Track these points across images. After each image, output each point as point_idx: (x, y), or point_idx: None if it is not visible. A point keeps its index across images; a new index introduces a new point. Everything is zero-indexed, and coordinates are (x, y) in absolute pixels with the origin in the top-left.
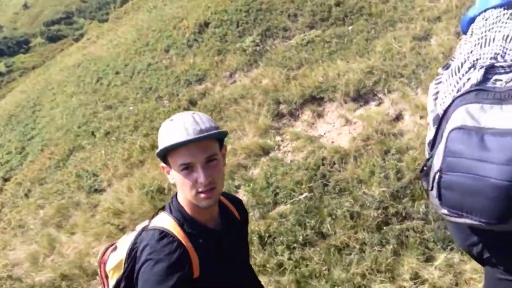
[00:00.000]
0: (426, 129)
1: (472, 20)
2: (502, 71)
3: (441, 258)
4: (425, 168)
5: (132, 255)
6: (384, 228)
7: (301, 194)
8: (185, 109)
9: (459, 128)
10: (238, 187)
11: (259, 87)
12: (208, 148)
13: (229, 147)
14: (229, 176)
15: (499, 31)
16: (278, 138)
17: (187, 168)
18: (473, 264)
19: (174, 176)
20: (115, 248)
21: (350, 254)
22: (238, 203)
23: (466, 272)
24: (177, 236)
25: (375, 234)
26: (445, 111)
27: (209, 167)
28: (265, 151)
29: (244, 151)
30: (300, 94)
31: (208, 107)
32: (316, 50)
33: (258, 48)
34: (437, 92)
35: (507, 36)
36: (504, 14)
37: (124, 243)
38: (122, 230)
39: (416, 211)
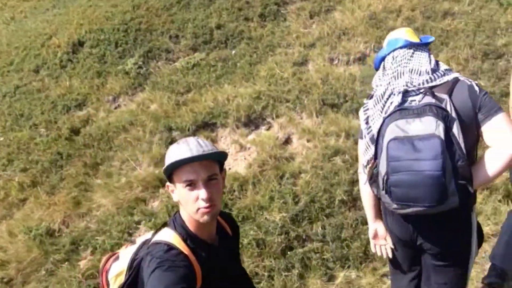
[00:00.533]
0: (314, 152)
1: (383, 59)
2: (414, 94)
3: (341, 276)
4: (371, 177)
5: (134, 266)
6: (289, 252)
7: None
8: (66, 139)
9: (394, 139)
10: (138, 223)
11: (147, 112)
12: (209, 167)
13: (123, 180)
14: (127, 212)
15: (406, 66)
16: None
17: (190, 185)
18: (368, 279)
19: (178, 193)
20: (117, 258)
21: (260, 282)
22: (230, 219)
23: (363, 286)
24: (182, 250)
25: (281, 259)
26: (379, 130)
27: (210, 185)
28: (163, 181)
29: (140, 184)
30: (193, 120)
31: (94, 136)
32: (202, 74)
33: (141, 70)
34: (367, 117)
35: (412, 69)
36: (408, 53)
37: (126, 254)
38: (9, 283)
39: (314, 234)
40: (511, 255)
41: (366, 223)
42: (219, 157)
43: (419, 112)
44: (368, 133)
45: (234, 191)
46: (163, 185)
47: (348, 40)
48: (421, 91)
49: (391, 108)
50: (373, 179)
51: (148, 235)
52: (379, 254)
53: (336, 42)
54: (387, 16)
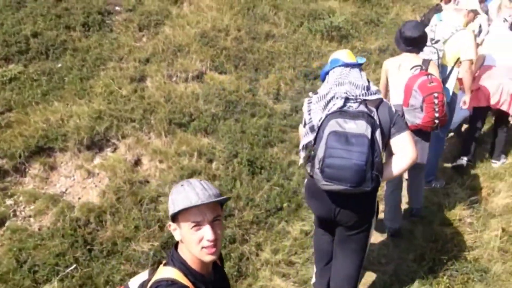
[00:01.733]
0: (169, 174)
1: (327, 73)
2: (352, 101)
3: None
4: (308, 158)
5: None
6: None
7: (67, 266)
8: None
9: (334, 131)
10: None
11: None
12: (214, 209)
13: None
14: None
15: (346, 78)
16: (9, 201)
17: (196, 226)
18: None
19: (183, 233)
20: None
21: None
22: None
23: None
24: (185, 284)
25: None
26: (322, 123)
27: (214, 225)
28: None
29: None
30: (24, 145)
31: None
32: (24, 90)
33: None
34: (310, 110)
35: (351, 82)
36: (346, 70)
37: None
38: None
39: None
40: (396, 217)
41: (235, 242)
42: (224, 201)
43: (354, 116)
44: (308, 123)
45: (91, 223)
46: (1, 224)
47: (184, 57)
48: (358, 100)
49: (334, 108)
50: (309, 160)
51: (142, 275)
52: None
53: (173, 59)
54: (217, 35)
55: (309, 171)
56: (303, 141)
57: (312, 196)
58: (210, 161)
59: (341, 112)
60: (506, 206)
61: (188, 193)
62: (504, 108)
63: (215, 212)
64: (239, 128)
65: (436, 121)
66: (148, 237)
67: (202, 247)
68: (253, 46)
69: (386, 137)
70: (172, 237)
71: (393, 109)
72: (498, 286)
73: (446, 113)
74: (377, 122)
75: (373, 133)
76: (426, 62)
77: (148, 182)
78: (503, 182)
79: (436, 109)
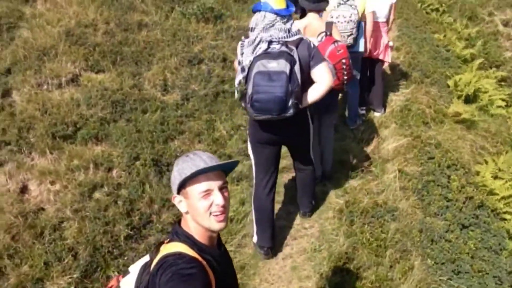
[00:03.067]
0: (66, 194)
1: (257, 11)
2: (275, 43)
3: None
4: (242, 94)
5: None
6: None
7: None
8: None
9: (258, 72)
10: None
11: None
12: (222, 177)
13: None
14: None
15: (272, 24)
16: None
17: (205, 192)
18: None
19: (190, 203)
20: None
21: None
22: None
23: None
24: (193, 255)
25: None
26: (251, 64)
27: (223, 193)
28: None
29: None
30: None
31: None
32: None
33: None
34: (242, 52)
35: (275, 27)
36: (273, 16)
37: (125, 285)
38: None
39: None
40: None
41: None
42: (233, 166)
43: (276, 56)
44: (240, 64)
45: None
46: None
47: (52, 61)
48: (280, 42)
49: (259, 52)
50: (243, 96)
51: (144, 259)
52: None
53: (39, 65)
54: (85, 31)
55: (243, 105)
56: (237, 79)
57: (253, 125)
58: (109, 170)
59: (266, 54)
60: (395, 149)
61: (195, 161)
62: (381, 57)
63: (223, 179)
64: (133, 128)
65: (345, 82)
66: (63, 271)
67: (211, 214)
68: (127, 38)
69: (306, 70)
70: (90, 262)
71: (312, 45)
72: (408, 220)
73: (352, 70)
74: (296, 59)
75: (292, 68)
76: (329, 27)
77: (43, 209)
78: (388, 129)
79: (345, 73)
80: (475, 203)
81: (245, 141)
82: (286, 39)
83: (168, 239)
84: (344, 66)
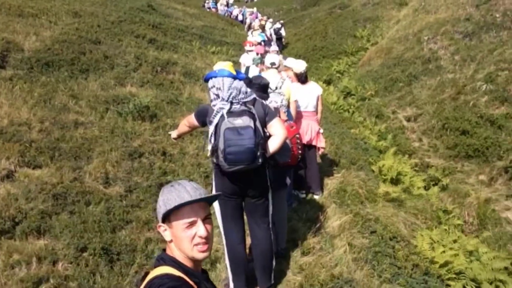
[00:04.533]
0: None
1: (211, 77)
2: (236, 103)
3: None
4: (213, 151)
5: None
6: None
7: None
8: None
9: (227, 128)
10: None
11: None
12: (205, 208)
13: None
14: None
15: (232, 88)
16: None
17: (189, 224)
18: None
19: (174, 233)
20: None
21: None
22: None
23: None
24: (180, 275)
25: None
26: (217, 123)
27: (206, 224)
28: None
29: None
30: None
31: None
32: None
33: None
34: (213, 111)
35: (236, 88)
36: (230, 80)
37: None
38: None
39: None
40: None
41: None
42: (216, 198)
43: (240, 114)
44: (210, 122)
45: None
46: None
47: None
48: (240, 103)
49: (225, 110)
50: (213, 152)
51: None
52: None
53: None
54: (18, 129)
55: (215, 161)
56: (209, 143)
57: (221, 179)
58: (54, 263)
59: (230, 113)
60: (340, 226)
61: (180, 192)
62: (314, 143)
63: (207, 210)
64: (77, 219)
65: (299, 156)
66: None
67: (194, 245)
68: (64, 136)
69: (263, 125)
70: None
71: (265, 103)
72: None
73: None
74: (255, 116)
75: (254, 123)
76: (277, 110)
77: None
78: (329, 208)
79: (299, 147)
80: (422, 270)
81: None
82: (244, 100)
83: (154, 266)
84: (298, 141)
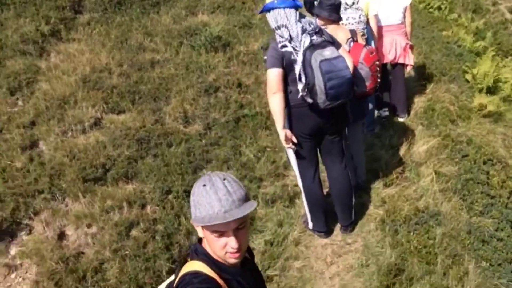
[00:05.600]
0: (104, 235)
1: (272, 8)
2: (312, 35)
3: None
4: (306, 90)
5: None
6: None
7: None
8: None
9: (323, 60)
10: None
11: None
12: (239, 218)
13: None
14: None
15: (299, 19)
16: None
17: (219, 234)
18: None
19: (205, 235)
20: None
21: None
22: None
23: None
24: (210, 274)
25: None
26: (304, 58)
27: (238, 232)
28: None
29: None
30: None
31: None
32: None
33: None
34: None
35: (306, 21)
36: (293, 10)
37: None
38: None
39: None
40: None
41: None
42: (251, 211)
43: (323, 46)
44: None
45: None
46: None
47: (73, 108)
48: (315, 33)
49: (307, 44)
50: (308, 91)
51: (171, 278)
52: (292, 149)
53: (62, 113)
54: (100, 76)
55: (309, 100)
56: (297, 72)
57: (300, 119)
58: (143, 206)
59: (313, 46)
60: (427, 151)
61: (211, 200)
62: (401, 61)
63: (241, 220)
64: (160, 163)
65: (378, 85)
66: None
67: (226, 252)
68: (142, 77)
69: None
70: None
71: (328, 32)
72: (453, 222)
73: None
74: (335, 43)
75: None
76: (354, 33)
77: (83, 253)
78: (415, 132)
79: (378, 75)
80: None
81: (274, 162)
82: (316, 30)
83: (189, 257)
84: (378, 69)
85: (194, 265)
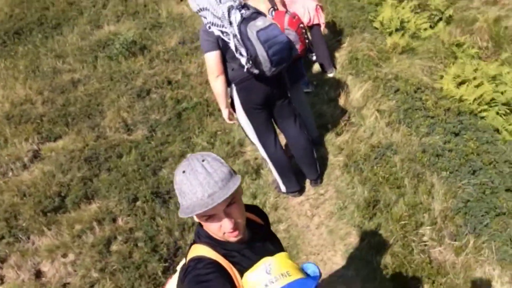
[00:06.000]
0: (84, 259)
1: None
2: (240, 9)
3: None
4: (250, 62)
5: None
6: None
7: None
8: None
9: (259, 30)
10: None
11: None
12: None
13: None
14: None
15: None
16: None
17: (210, 218)
18: None
19: (199, 220)
20: None
21: None
22: (256, 209)
23: None
24: (212, 258)
25: None
26: (240, 31)
27: (230, 211)
28: None
29: None
30: None
31: None
32: None
33: None
34: (221, 32)
35: None
36: None
37: (171, 286)
38: None
39: None
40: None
41: None
42: (235, 188)
43: (254, 17)
44: (232, 38)
45: None
46: None
47: (5, 147)
48: (241, 7)
49: (238, 19)
50: (253, 62)
51: (183, 261)
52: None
53: None
54: (23, 108)
55: (255, 70)
56: (242, 51)
57: (247, 92)
58: (114, 220)
59: (244, 19)
60: (363, 95)
61: (192, 186)
62: (316, 21)
63: (228, 197)
64: (117, 174)
65: (307, 45)
66: None
67: (224, 233)
68: (68, 99)
69: None
70: None
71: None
72: (407, 147)
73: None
74: (263, 12)
75: None
76: (273, 2)
77: (68, 283)
78: (347, 81)
79: (305, 36)
80: (455, 112)
81: (228, 143)
82: (241, 4)
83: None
84: (304, 31)
85: (198, 250)
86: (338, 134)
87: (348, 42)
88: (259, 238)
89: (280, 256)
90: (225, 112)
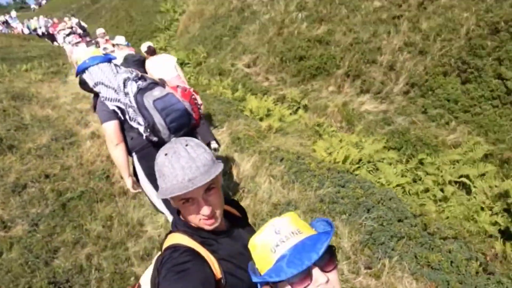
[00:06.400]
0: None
1: (86, 68)
2: (136, 80)
3: None
4: (148, 130)
5: (155, 282)
6: None
7: None
8: None
9: (155, 100)
10: None
11: None
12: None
13: None
14: None
15: (116, 69)
16: None
17: (188, 201)
18: None
19: (177, 205)
20: (139, 286)
21: None
22: (234, 203)
23: None
24: (190, 245)
25: None
26: (137, 102)
27: (208, 196)
28: None
29: None
30: None
31: None
32: None
33: None
34: (119, 102)
35: (125, 70)
36: (108, 64)
37: (145, 278)
38: None
39: None
40: None
41: None
42: (216, 174)
43: (151, 88)
44: (128, 108)
45: None
46: None
47: None
48: (138, 78)
49: (134, 90)
50: (151, 130)
51: (158, 254)
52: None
53: None
54: None
55: (154, 138)
56: (138, 124)
57: (151, 159)
58: None
59: (141, 90)
60: (253, 166)
61: (174, 169)
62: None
63: (208, 183)
64: (1, 272)
65: (201, 116)
66: None
67: (200, 219)
68: None
69: None
70: None
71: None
72: (305, 201)
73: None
74: (160, 83)
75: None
76: (162, 80)
77: None
78: (234, 156)
79: (199, 106)
80: (335, 170)
81: (128, 224)
82: (138, 76)
83: (170, 231)
84: (196, 101)
85: (174, 238)
86: (239, 200)
87: (227, 126)
88: (237, 228)
89: (288, 215)
90: (128, 181)
